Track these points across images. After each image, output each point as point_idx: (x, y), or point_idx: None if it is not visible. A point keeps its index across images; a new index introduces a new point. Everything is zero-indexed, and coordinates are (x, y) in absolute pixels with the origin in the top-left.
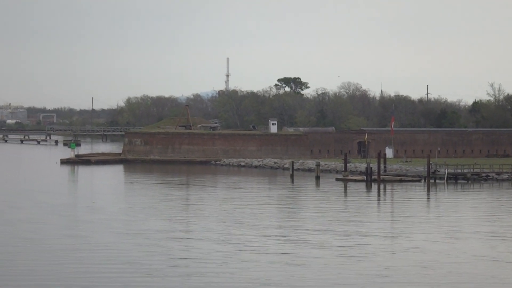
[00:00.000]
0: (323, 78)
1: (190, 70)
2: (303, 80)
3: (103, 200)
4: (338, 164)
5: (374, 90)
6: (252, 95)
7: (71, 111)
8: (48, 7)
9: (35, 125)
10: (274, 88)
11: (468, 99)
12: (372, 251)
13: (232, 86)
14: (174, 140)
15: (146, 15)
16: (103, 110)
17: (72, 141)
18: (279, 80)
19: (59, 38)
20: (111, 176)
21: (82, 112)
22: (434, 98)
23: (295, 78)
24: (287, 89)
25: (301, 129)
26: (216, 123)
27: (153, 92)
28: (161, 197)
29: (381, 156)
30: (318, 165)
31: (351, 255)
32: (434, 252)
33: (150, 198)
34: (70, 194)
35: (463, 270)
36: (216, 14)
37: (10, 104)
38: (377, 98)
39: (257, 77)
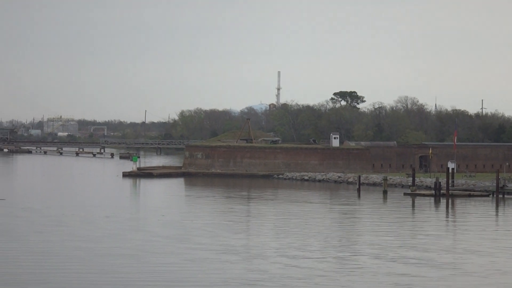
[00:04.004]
0: (378, 92)
1: (239, 84)
2: (359, 94)
3: (172, 214)
4: (402, 178)
5: (429, 104)
6: (308, 109)
7: (121, 124)
8: (102, 20)
9: (87, 137)
10: (330, 102)
11: None
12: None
13: (282, 99)
14: (236, 154)
15: (198, 28)
16: (153, 123)
17: (134, 154)
18: (335, 94)
19: (111, 51)
20: (174, 190)
21: (132, 124)
22: (490, 113)
23: (351, 92)
24: (343, 103)
25: (363, 143)
26: (276, 136)
27: (202, 105)
28: (233, 211)
29: (448, 171)
30: (385, 179)
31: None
32: None
33: (222, 212)
34: (138, 208)
35: None
36: (268, 28)
37: (61, 116)
38: (433, 113)
39: (307, 90)
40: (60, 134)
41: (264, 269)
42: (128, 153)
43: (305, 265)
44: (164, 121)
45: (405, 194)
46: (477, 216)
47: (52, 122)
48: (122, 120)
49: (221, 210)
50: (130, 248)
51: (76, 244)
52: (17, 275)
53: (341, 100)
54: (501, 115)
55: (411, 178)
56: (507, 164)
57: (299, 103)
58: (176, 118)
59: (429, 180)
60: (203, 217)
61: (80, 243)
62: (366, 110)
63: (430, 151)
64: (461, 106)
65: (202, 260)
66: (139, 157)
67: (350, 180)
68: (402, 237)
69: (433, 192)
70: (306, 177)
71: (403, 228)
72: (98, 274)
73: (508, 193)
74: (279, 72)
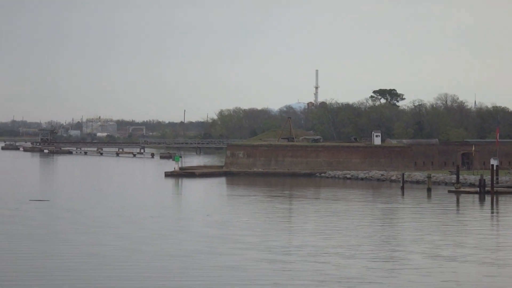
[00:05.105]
0: (417, 90)
1: (276, 83)
2: (398, 92)
3: (217, 213)
4: (446, 176)
5: (469, 101)
6: (347, 107)
7: (159, 124)
8: (141, 21)
9: (126, 138)
10: (370, 100)
11: None
12: None
13: (320, 98)
14: (278, 153)
15: (236, 28)
16: (191, 122)
17: (176, 154)
18: (374, 92)
19: (149, 52)
20: (217, 189)
21: (171, 124)
22: None
23: (390, 90)
24: (383, 101)
25: (404, 141)
26: (317, 135)
27: (240, 104)
28: (277, 210)
29: (493, 168)
30: (429, 177)
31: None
32: None
33: (266, 212)
34: (182, 208)
35: None
36: (306, 27)
37: (100, 117)
38: (473, 110)
39: (345, 89)
40: (99, 134)
41: (317, 269)
42: (168, 153)
43: (358, 264)
44: (202, 120)
45: (449, 191)
46: None
47: (91, 123)
48: (160, 120)
49: (265, 210)
50: (182, 250)
51: (129, 245)
52: (74, 281)
53: (380, 98)
54: None
55: (454, 176)
56: None
57: (338, 102)
58: (215, 117)
59: (473, 178)
60: (248, 216)
61: (132, 245)
62: (406, 108)
63: (473, 148)
64: (501, 103)
65: (257, 261)
66: (181, 157)
67: (393, 178)
68: (450, 235)
69: (477, 189)
70: (348, 176)
71: (450, 225)
72: (162, 276)
73: None
74: (317, 71)
